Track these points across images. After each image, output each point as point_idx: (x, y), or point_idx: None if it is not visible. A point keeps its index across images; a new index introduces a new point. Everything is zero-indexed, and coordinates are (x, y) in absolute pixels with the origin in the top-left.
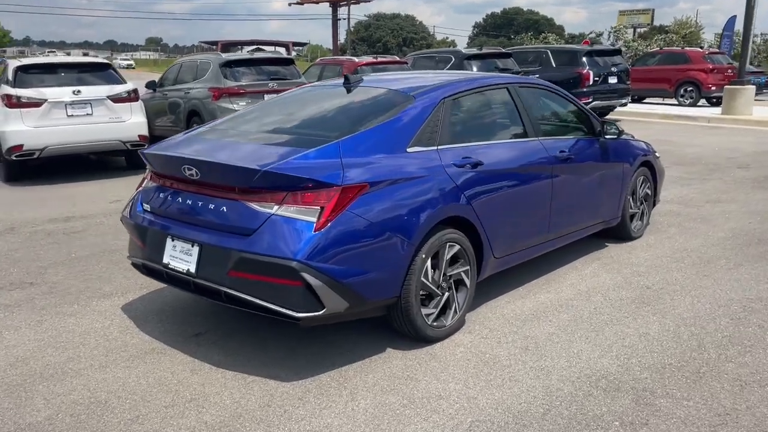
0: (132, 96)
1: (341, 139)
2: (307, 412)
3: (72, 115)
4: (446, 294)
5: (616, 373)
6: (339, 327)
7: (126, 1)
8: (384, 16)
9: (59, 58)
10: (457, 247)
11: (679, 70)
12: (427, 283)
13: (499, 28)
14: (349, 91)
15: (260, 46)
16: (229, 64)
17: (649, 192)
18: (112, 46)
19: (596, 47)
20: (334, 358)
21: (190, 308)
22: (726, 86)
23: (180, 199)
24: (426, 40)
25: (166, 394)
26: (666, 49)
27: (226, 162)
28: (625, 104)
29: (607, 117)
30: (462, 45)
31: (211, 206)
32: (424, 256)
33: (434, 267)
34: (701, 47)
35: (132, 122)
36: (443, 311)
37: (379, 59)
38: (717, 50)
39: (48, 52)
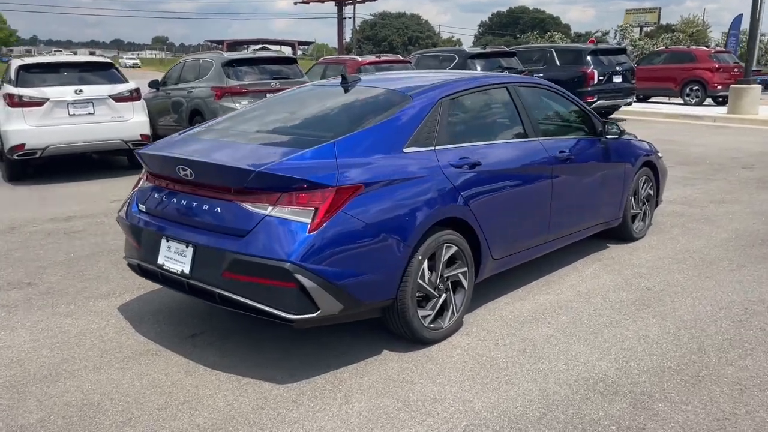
0: (134, 95)
1: (337, 139)
2: (301, 415)
3: (74, 115)
4: (443, 296)
5: (614, 377)
6: (335, 328)
7: (132, 0)
8: (389, 15)
9: (61, 57)
10: (454, 249)
11: (685, 69)
12: (424, 284)
13: (504, 27)
14: (346, 90)
15: (266, 45)
16: (231, 63)
17: (651, 192)
18: (118, 46)
19: (601, 46)
20: (330, 360)
21: (188, 309)
22: (732, 85)
23: (175, 199)
24: (431, 39)
25: (160, 396)
26: (671, 48)
27: (220, 162)
28: (629, 103)
29: (611, 116)
30: (468, 44)
31: (206, 207)
32: (420, 257)
33: (431, 268)
34: (707, 46)
35: (134, 121)
36: (440, 313)
37: (382, 58)
38: (723, 49)
39: (54, 51)
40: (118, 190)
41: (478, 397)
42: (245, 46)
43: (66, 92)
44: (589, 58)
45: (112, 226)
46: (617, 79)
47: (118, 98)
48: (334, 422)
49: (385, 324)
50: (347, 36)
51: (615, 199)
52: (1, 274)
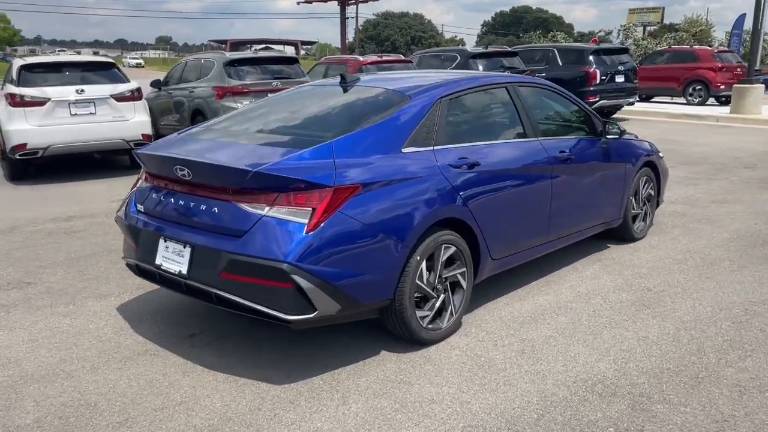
0: (135, 95)
1: (334, 139)
2: (298, 416)
3: (75, 114)
4: (442, 296)
5: (613, 378)
6: (333, 329)
7: (136, 0)
8: (392, 14)
9: (63, 57)
10: (453, 249)
11: (688, 69)
12: (422, 285)
13: (507, 26)
14: (345, 90)
15: (269, 45)
16: (233, 63)
17: (652, 192)
18: (122, 45)
19: (603, 46)
20: (328, 361)
21: (187, 309)
22: (735, 85)
23: (173, 199)
24: (434, 39)
25: (157, 397)
26: (674, 48)
27: (217, 162)
28: (632, 103)
29: (614, 116)
30: (471, 44)
31: (203, 207)
32: (418, 258)
33: (429, 269)
34: (710, 45)
35: (135, 121)
36: (439, 314)
37: (384, 58)
38: (726, 49)
39: (58, 51)
40: (120, 189)
41: (475, 398)
42: (248, 45)
43: (68, 92)
44: (591, 57)
45: (112, 226)
46: (620, 78)
47: (120, 98)
48: (330, 423)
49: (384, 325)
50: (350, 36)
51: (615, 199)
52: (1, 273)
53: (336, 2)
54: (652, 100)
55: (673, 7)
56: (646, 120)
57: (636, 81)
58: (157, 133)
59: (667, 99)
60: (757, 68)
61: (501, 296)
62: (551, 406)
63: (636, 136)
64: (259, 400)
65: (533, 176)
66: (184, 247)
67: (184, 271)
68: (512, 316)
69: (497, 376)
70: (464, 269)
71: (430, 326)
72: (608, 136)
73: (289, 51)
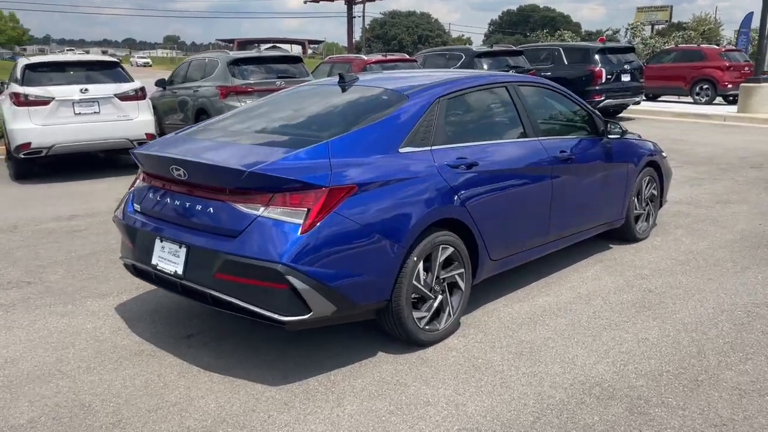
0: (139, 94)
1: (330, 139)
2: (292, 418)
3: (79, 113)
4: (439, 297)
5: (611, 380)
6: (331, 329)
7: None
8: (399, 13)
9: (67, 56)
10: (450, 250)
11: (695, 68)
12: (419, 286)
13: (515, 25)
14: (343, 90)
15: (276, 44)
16: (236, 62)
17: (655, 193)
18: (130, 44)
19: (609, 44)
20: (324, 362)
21: (185, 309)
22: (742, 84)
23: (169, 199)
24: (441, 38)
25: (151, 398)
26: (681, 47)
27: (212, 162)
28: (638, 102)
29: (619, 115)
30: (477, 42)
31: (199, 207)
32: (415, 258)
33: (427, 270)
34: (718, 44)
35: (139, 120)
36: (436, 315)
37: (388, 57)
38: (734, 47)
39: (67, 50)
40: (123, 189)
41: (471, 401)
42: (256, 45)
43: (71, 91)
44: (597, 56)
45: (114, 225)
46: (625, 77)
47: (124, 97)
48: (324, 425)
49: (380, 326)
50: (357, 35)
51: (617, 199)
52: (1, 273)
53: (343, 1)
54: (659, 99)
55: (681, 6)
56: (652, 119)
57: (642, 80)
58: (162, 132)
59: (674, 98)
60: (766, 69)
61: (500, 297)
62: (547, 409)
63: (639, 136)
64: (253, 402)
65: (533, 176)
66: (180, 247)
67: (180, 271)
68: (511, 318)
69: (494, 378)
70: (462, 270)
71: (427, 327)
72: (610, 136)
73: (297, 50)
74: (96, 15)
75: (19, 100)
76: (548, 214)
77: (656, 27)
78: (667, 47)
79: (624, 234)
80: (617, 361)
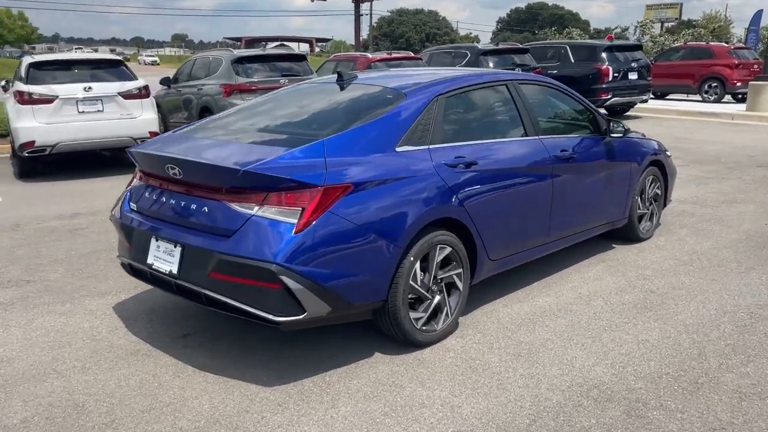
0: (143, 92)
1: (326, 138)
2: (285, 419)
3: (83, 112)
4: (437, 297)
5: (610, 383)
6: (327, 329)
7: None
8: (407, 11)
9: (71, 54)
10: (448, 250)
11: (703, 66)
12: (416, 286)
13: (523, 23)
14: (342, 88)
15: (284, 43)
16: (240, 60)
17: (659, 192)
18: (138, 43)
19: (616, 42)
20: (320, 362)
21: (183, 309)
22: (751, 82)
23: (164, 198)
24: (449, 36)
25: (145, 398)
26: (690, 44)
27: (207, 161)
28: (645, 100)
29: (627, 113)
30: (485, 40)
31: (194, 206)
32: (412, 258)
33: (424, 270)
34: (726, 42)
35: (143, 119)
36: (434, 315)
37: (393, 55)
38: (743, 45)
39: (75, 48)
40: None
41: (467, 403)
42: (263, 43)
43: (75, 89)
44: (603, 54)
45: None
46: (633, 75)
47: (127, 95)
48: (317, 427)
49: (377, 326)
50: (364, 33)
51: (620, 199)
52: (1, 271)
53: None
54: (668, 97)
55: (691, 3)
56: (660, 118)
57: (649, 78)
58: (167, 131)
59: (683, 96)
60: None
61: (500, 297)
62: (544, 412)
63: (643, 135)
64: (247, 402)
65: (533, 175)
66: (175, 246)
67: (175, 270)
68: (510, 318)
69: (491, 380)
70: (460, 270)
71: (424, 328)
72: (612, 135)
73: (305, 48)
74: (105, 14)
75: (23, 99)
76: (549, 214)
77: (666, 25)
78: (676, 45)
79: (627, 234)
80: (616, 363)
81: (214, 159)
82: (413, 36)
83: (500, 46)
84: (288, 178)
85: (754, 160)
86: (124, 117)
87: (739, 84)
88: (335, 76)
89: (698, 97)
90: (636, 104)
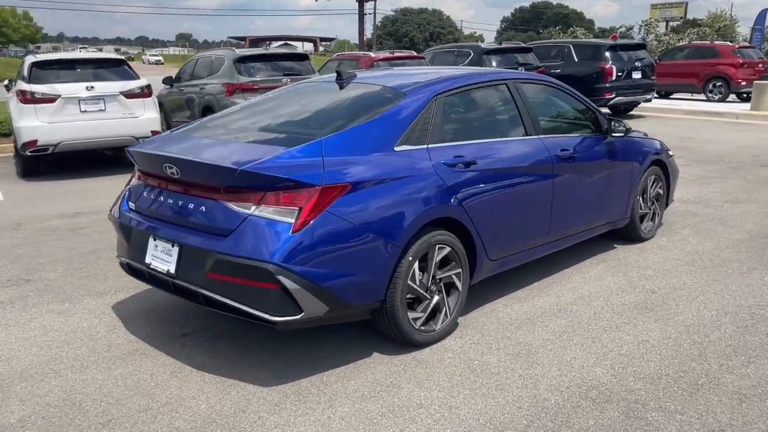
0: (145, 92)
1: (324, 137)
2: (282, 419)
3: (85, 111)
4: (435, 298)
5: (608, 384)
6: (326, 329)
7: None
8: (411, 10)
9: (73, 54)
10: (447, 249)
11: (708, 65)
12: (415, 286)
13: (527, 22)
14: (341, 87)
15: (288, 42)
16: (242, 59)
17: (661, 192)
18: (143, 42)
19: (620, 41)
20: (318, 362)
21: (182, 308)
22: (755, 81)
23: (162, 198)
24: (453, 35)
25: (142, 398)
26: (694, 43)
27: (204, 161)
28: (649, 100)
29: (630, 113)
30: (490, 40)
31: (191, 206)
32: (411, 258)
33: (422, 270)
34: (731, 41)
35: (145, 118)
36: (433, 315)
37: (396, 54)
38: (747, 44)
39: (80, 48)
40: None
41: (465, 404)
42: (267, 42)
43: (78, 89)
44: (607, 53)
45: None
46: (636, 75)
47: (129, 95)
48: (314, 427)
49: (375, 326)
50: (368, 32)
51: (621, 198)
52: (1, 270)
53: None
54: (672, 96)
55: (696, 2)
56: (664, 117)
57: (653, 77)
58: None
59: (687, 95)
60: None
61: (500, 297)
62: (542, 413)
63: (645, 134)
64: (244, 402)
65: (533, 175)
66: (173, 246)
67: (172, 270)
68: (510, 319)
69: (489, 381)
70: (459, 270)
71: (423, 328)
72: (614, 134)
73: (309, 48)
74: (109, 13)
75: (26, 98)
76: (549, 214)
77: (671, 24)
78: (680, 44)
79: (629, 234)
80: (616, 364)
81: (212, 158)
82: (417, 35)
83: (503, 46)
84: (285, 178)
85: (758, 160)
86: (127, 116)
87: (743, 83)
88: (334, 75)
89: (703, 97)
90: (640, 103)
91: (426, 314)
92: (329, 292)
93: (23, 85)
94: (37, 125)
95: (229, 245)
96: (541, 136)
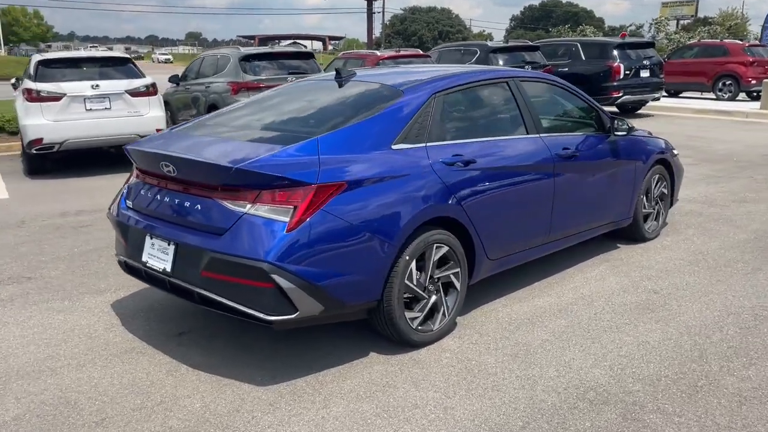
0: (150, 90)
1: (321, 135)
2: (276, 419)
3: (91, 109)
4: (433, 297)
5: (607, 385)
6: (323, 328)
7: None
8: (420, 9)
9: (79, 52)
10: (445, 249)
11: (717, 63)
12: (412, 285)
13: (537, 20)
14: (340, 85)
15: (297, 41)
16: (248, 58)
17: (665, 191)
18: (152, 41)
19: (628, 40)
20: (314, 362)
21: (180, 306)
22: (765, 80)
23: (159, 196)
24: (462, 34)
25: (137, 396)
26: (704, 42)
27: (200, 159)
28: (657, 98)
29: (638, 112)
30: (499, 38)
31: (187, 204)
32: (408, 257)
33: (420, 269)
34: (741, 40)
35: (150, 116)
36: (430, 315)
37: (401, 52)
38: (758, 42)
39: (90, 47)
40: None
41: (460, 404)
42: (276, 41)
43: (83, 87)
44: (615, 52)
45: None
46: (645, 73)
47: (135, 93)
48: (308, 427)
49: (372, 326)
50: (377, 31)
51: (624, 198)
52: (3, 268)
53: None
54: (681, 95)
55: (707, 0)
56: (673, 116)
57: (662, 76)
58: None
59: (697, 94)
60: None
61: (499, 297)
62: (538, 414)
63: (649, 133)
64: (239, 402)
65: (534, 174)
66: (169, 244)
67: (168, 268)
68: (509, 319)
69: (486, 381)
70: (458, 270)
71: (420, 328)
72: (617, 133)
73: (318, 46)
74: (119, 12)
75: (32, 96)
76: (550, 213)
77: (681, 22)
78: (690, 42)
79: (632, 233)
80: (615, 365)
81: (208, 156)
82: (426, 34)
83: (510, 44)
84: (280, 176)
85: (767, 159)
86: (132, 114)
87: (753, 82)
88: (334, 73)
89: (712, 95)
90: (648, 102)
91: (423, 314)
92: (324, 292)
93: (29, 84)
94: (43, 123)
95: (224, 244)
96: (542, 135)
